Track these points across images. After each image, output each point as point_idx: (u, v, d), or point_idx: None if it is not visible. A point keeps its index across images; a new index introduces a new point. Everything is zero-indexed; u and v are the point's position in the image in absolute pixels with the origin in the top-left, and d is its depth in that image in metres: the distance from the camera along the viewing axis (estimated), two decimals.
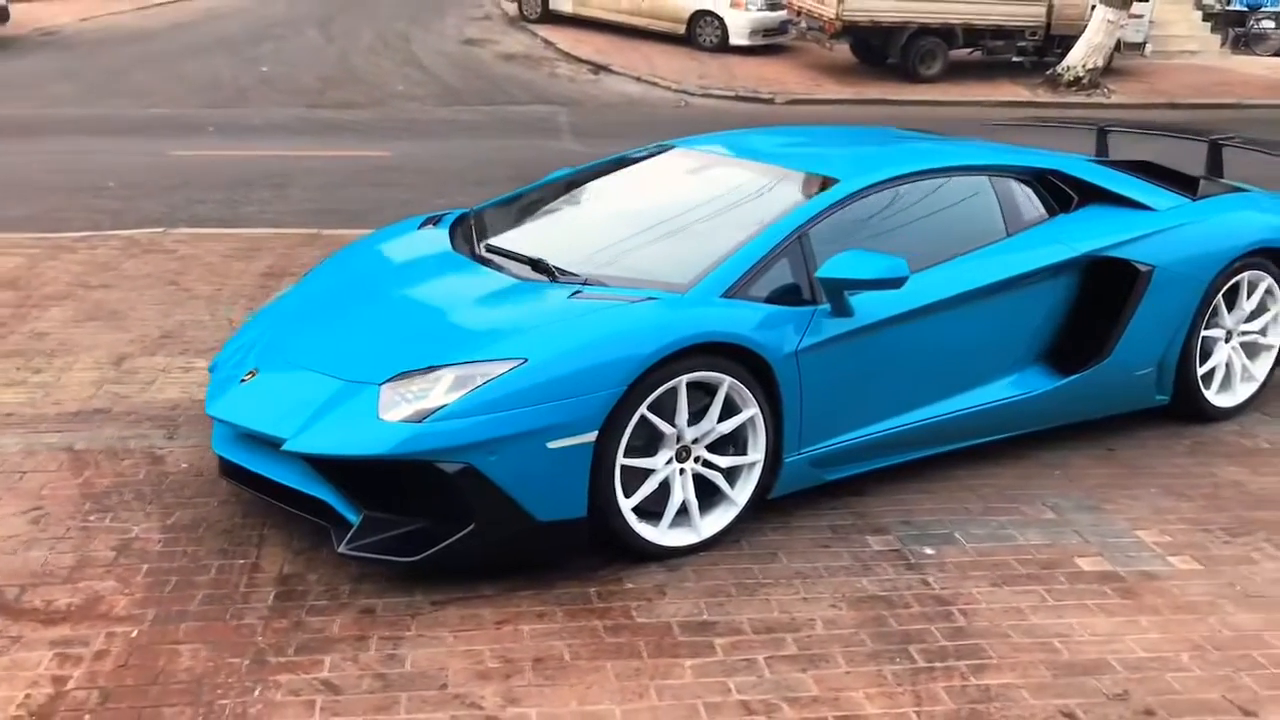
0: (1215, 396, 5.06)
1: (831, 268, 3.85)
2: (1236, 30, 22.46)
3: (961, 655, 3.26)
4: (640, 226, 4.38)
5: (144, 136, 12.73)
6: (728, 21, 19.49)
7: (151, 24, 20.71)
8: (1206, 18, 22.22)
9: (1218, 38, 22.16)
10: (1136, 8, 19.14)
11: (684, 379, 3.63)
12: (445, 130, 13.87)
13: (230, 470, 3.89)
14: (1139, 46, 19.78)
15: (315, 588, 3.53)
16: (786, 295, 3.95)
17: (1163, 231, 4.75)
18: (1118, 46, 18.88)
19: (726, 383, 3.72)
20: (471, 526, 3.42)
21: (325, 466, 3.52)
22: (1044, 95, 17.86)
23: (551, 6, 21.28)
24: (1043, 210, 4.70)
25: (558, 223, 4.71)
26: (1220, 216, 4.97)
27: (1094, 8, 18.05)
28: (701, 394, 3.74)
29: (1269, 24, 22.37)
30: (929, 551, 3.86)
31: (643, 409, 3.57)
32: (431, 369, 3.53)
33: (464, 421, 3.37)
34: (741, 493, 3.87)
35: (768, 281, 3.94)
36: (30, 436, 4.61)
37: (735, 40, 19.46)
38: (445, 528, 3.45)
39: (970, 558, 3.84)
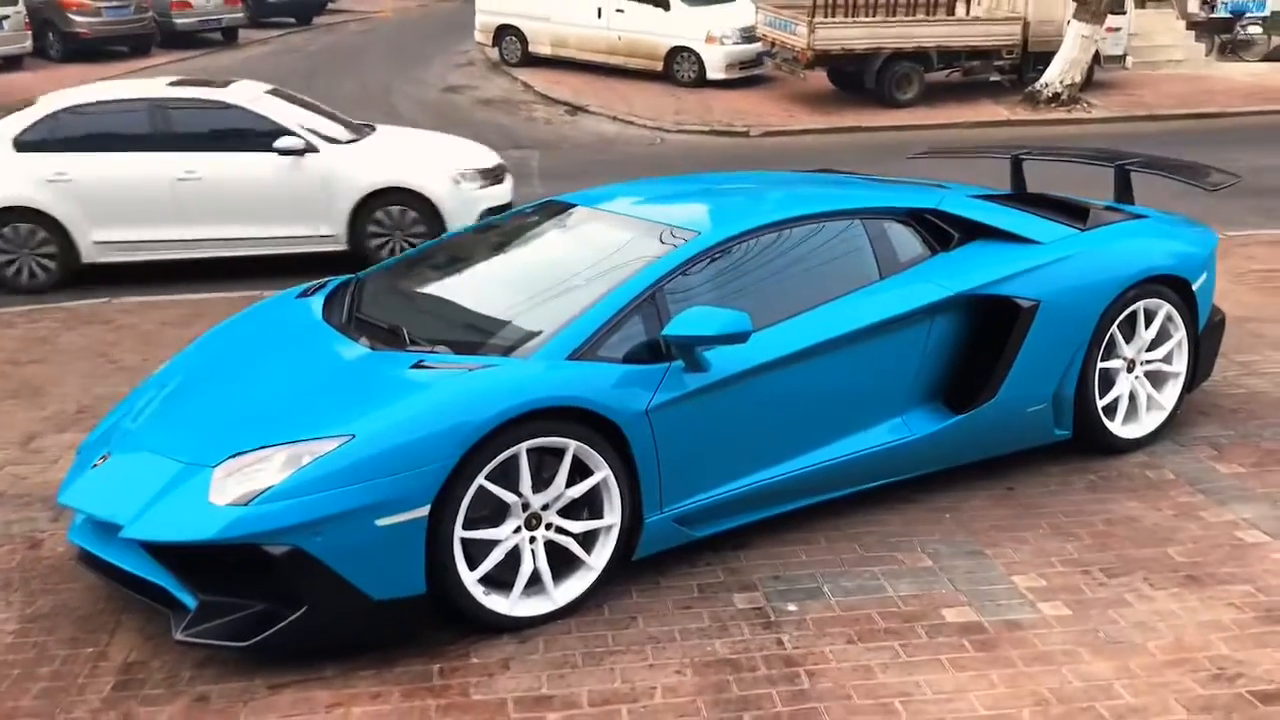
0: (1120, 428, 4.95)
1: (675, 326, 3.80)
2: (1223, 37, 22.29)
3: None
4: (502, 289, 4.36)
5: None
6: (704, 56, 19.53)
7: None
8: (1190, 26, 22.06)
9: (1203, 46, 21.99)
10: (1114, 20, 19.04)
11: (523, 446, 3.58)
12: None
13: (86, 558, 3.87)
14: (1119, 59, 19.67)
15: (155, 675, 3.50)
16: (641, 353, 3.90)
17: (1047, 265, 4.66)
18: (1096, 60, 18.76)
19: (572, 446, 3.67)
20: (305, 609, 3.38)
21: (161, 552, 3.49)
22: (1023, 113, 17.73)
23: (531, 49, 21.41)
24: (921, 250, 4.62)
25: (429, 288, 4.68)
26: (1109, 246, 4.88)
27: (1069, 23, 17.98)
28: (554, 459, 3.70)
29: (1256, 29, 22.19)
30: (791, 608, 3.78)
31: (480, 479, 3.52)
32: (263, 448, 3.51)
33: (288, 503, 3.34)
34: (599, 557, 3.81)
35: (621, 341, 3.89)
36: None
37: (713, 74, 19.49)
38: (280, 610, 3.41)
39: (833, 613, 3.75)
